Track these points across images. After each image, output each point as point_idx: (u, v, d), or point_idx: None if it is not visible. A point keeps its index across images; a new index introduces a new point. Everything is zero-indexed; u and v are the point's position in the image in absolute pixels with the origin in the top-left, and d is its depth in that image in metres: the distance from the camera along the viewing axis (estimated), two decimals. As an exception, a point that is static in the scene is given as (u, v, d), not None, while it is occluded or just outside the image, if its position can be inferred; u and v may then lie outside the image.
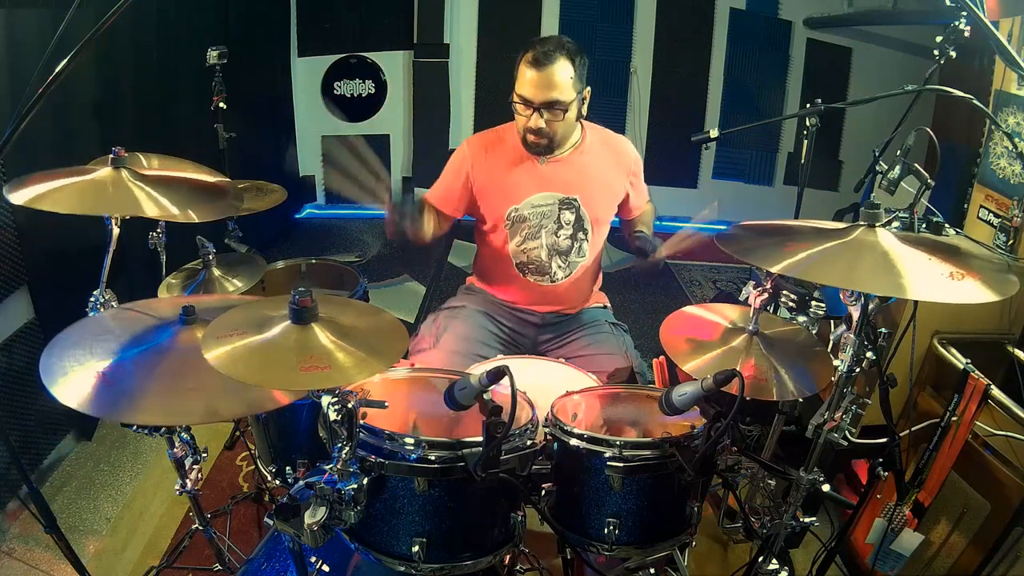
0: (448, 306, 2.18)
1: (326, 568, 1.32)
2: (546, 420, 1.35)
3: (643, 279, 1.99)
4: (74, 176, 1.43)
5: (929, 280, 1.12)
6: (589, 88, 1.97)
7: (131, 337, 1.26)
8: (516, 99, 1.93)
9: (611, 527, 1.28)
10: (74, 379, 1.13)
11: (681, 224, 5.29)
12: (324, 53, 4.74)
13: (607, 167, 2.10)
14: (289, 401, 1.25)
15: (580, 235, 2.09)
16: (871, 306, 1.28)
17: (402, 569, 1.20)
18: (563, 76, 1.86)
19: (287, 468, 1.63)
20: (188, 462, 1.51)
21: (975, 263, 1.18)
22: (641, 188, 2.20)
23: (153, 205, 1.42)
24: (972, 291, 1.11)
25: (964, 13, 1.72)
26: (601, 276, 2.31)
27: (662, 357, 2.03)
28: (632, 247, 2.04)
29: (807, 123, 2.02)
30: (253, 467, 2.39)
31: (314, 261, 2.29)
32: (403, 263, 4.14)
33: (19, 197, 1.34)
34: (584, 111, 2.00)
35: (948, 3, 1.71)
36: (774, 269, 1.19)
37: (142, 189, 1.44)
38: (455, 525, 1.21)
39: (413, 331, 2.17)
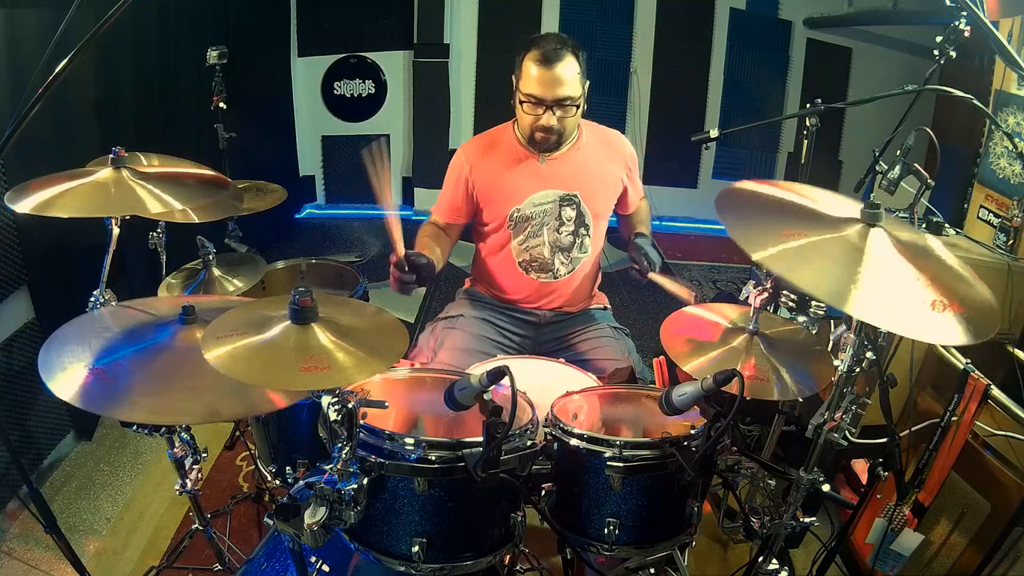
0: (445, 315, 2.17)
1: (326, 568, 1.32)
2: (546, 420, 1.35)
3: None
4: (75, 179, 1.42)
5: (908, 307, 1.03)
6: (588, 82, 1.97)
7: (130, 335, 1.26)
8: (524, 98, 1.92)
9: (611, 527, 1.27)
10: (72, 375, 1.13)
11: (681, 224, 5.25)
12: (324, 53, 4.74)
13: (604, 161, 2.10)
14: (289, 402, 1.25)
15: (582, 231, 2.09)
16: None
17: (402, 569, 1.20)
18: (571, 72, 1.87)
19: (287, 468, 1.63)
20: (188, 462, 1.51)
21: (965, 292, 1.09)
22: (637, 183, 2.21)
23: (156, 202, 1.41)
24: (946, 329, 1.01)
25: (964, 13, 1.72)
26: (601, 276, 2.31)
27: (662, 357, 2.03)
28: (629, 255, 2.02)
29: (807, 123, 2.02)
30: (253, 467, 2.39)
31: (314, 261, 2.29)
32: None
33: (23, 206, 1.33)
34: (585, 106, 2.00)
35: (948, 3, 1.71)
36: (755, 256, 1.10)
37: (144, 187, 1.43)
38: (455, 525, 1.21)
39: (413, 335, 2.17)
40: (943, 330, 1.01)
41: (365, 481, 1.12)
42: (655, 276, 1.92)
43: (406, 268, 1.72)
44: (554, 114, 1.91)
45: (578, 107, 1.93)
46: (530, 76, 1.88)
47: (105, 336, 1.24)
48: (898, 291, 1.05)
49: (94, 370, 1.14)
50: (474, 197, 2.08)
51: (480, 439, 1.10)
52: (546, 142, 1.98)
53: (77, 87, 2.43)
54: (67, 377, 1.13)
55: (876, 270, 1.06)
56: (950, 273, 1.14)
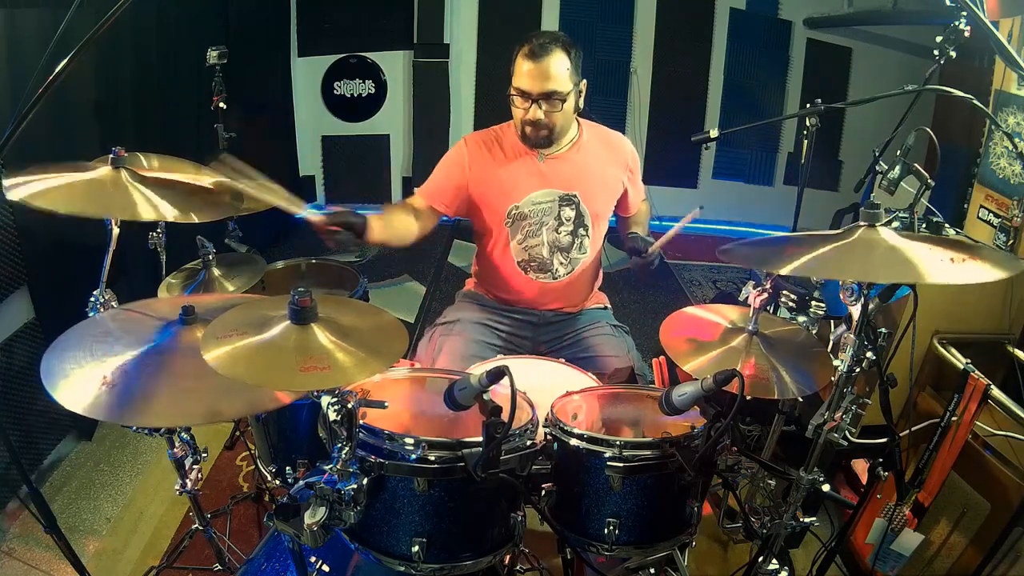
0: (444, 321, 2.16)
1: (326, 568, 1.32)
2: (546, 420, 1.35)
3: (641, 279, 1.99)
4: (73, 172, 1.42)
5: (935, 266, 1.12)
6: (586, 81, 1.98)
7: (131, 338, 1.26)
8: (514, 92, 1.94)
9: (611, 527, 1.28)
10: (75, 382, 1.13)
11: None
12: (324, 53, 4.74)
13: (605, 163, 2.10)
14: (289, 401, 1.25)
15: (581, 231, 2.09)
16: (871, 306, 1.28)
17: (402, 569, 1.20)
18: (560, 67, 1.88)
19: (287, 468, 1.63)
20: (188, 462, 1.51)
21: (976, 250, 1.18)
22: (639, 185, 2.21)
23: (150, 208, 1.41)
24: (978, 271, 1.11)
25: (964, 13, 1.72)
26: (601, 276, 2.31)
27: (662, 357, 2.03)
28: (625, 247, 2.05)
29: (807, 123, 2.02)
30: (253, 467, 2.40)
31: (314, 261, 2.29)
32: (403, 263, 4.14)
33: (16, 193, 1.33)
34: (581, 104, 2.01)
35: (948, 3, 1.71)
36: (784, 271, 1.18)
37: (139, 191, 1.43)
38: (455, 525, 1.21)
39: (412, 335, 2.17)
40: (972, 272, 1.11)
41: (365, 481, 1.12)
42: (655, 245, 1.93)
43: (332, 227, 1.72)
44: (540, 108, 1.91)
45: (564, 102, 1.93)
46: (519, 70, 1.91)
47: (106, 341, 1.24)
48: (922, 259, 1.13)
49: (97, 377, 1.14)
50: (468, 191, 2.07)
51: (480, 439, 1.10)
52: (535, 137, 1.98)
53: (77, 87, 2.43)
54: (70, 385, 1.12)
55: (897, 250, 1.16)
56: (958, 244, 1.22)
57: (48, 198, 1.34)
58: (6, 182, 1.35)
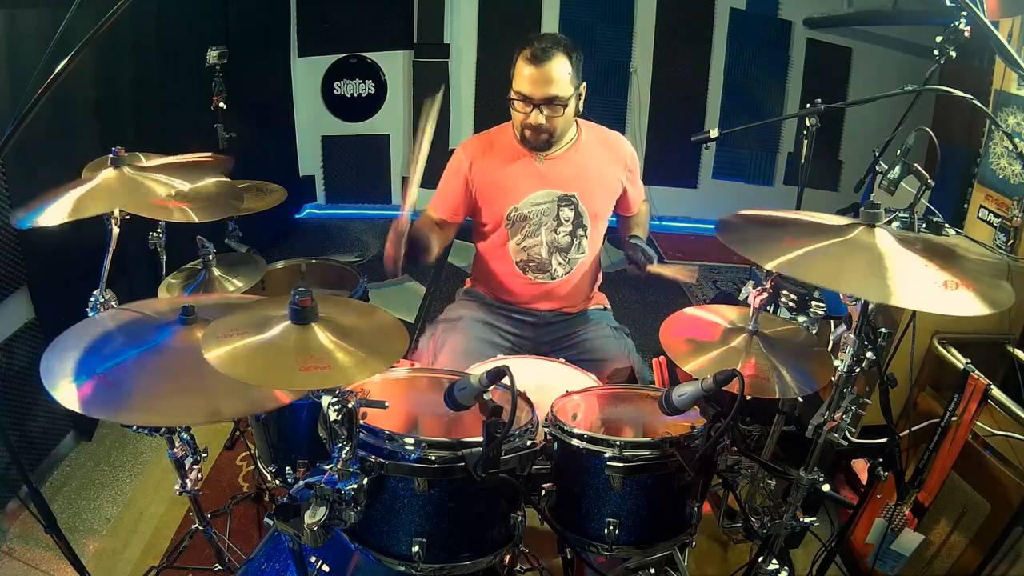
0: (445, 318, 2.17)
1: (326, 568, 1.32)
2: (546, 420, 1.35)
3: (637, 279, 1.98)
4: (79, 186, 1.45)
5: (921, 287, 1.10)
6: (586, 84, 1.97)
7: (131, 338, 1.26)
8: (514, 96, 1.94)
9: (611, 527, 1.28)
10: (75, 381, 1.13)
11: (681, 224, 5.24)
12: (324, 53, 4.74)
13: (604, 163, 2.10)
14: (289, 401, 1.25)
15: (579, 231, 2.09)
16: (871, 306, 1.28)
17: (402, 569, 1.20)
18: (561, 72, 1.88)
19: (287, 468, 1.63)
20: (188, 462, 1.52)
21: (972, 271, 1.16)
22: (638, 185, 2.21)
23: (164, 187, 1.45)
24: (964, 303, 1.08)
25: (964, 13, 1.72)
26: (601, 276, 2.31)
27: (662, 357, 2.03)
28: (626, 254, 2.04)
29: (807, 123, 2.02)
30: (253, 467, 2.39)
31: (314, 261, 2.29)
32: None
33: (36, 221, 1.36)
34: (581, 107, 2.01)
35: (948, 3, 1.71)
36: (768, 265, 1.17)
37: (148, 177, 1.48)
38: (455, 525, 1.21)
39: (413, 335, 2.17)
40: (959, 303, 1.09)
41: (365, 481, 1.12)
42: (654, 267, 1.93)
43: (404, 236, 1.73)
44: (542, 113, 1.91)
45: (566, 107, 1.93)
46: (520, 74, 1.90)
47: (106, 340, 1.24)
48: (910, 276, 1.12)
49: (96, 376, 1.14)
50: (472, 195, 2.08)
51: (480, 439, 1.10)
52: (536, 140, 1.99)
53: (77, 87, 2.43)
54: (70, 385, 1.13)
55: (885, 261, 1.14)
56: (957, 258, 1.21)
57: (61, 213, 1.36)
58: (18, 216, 1.37)
